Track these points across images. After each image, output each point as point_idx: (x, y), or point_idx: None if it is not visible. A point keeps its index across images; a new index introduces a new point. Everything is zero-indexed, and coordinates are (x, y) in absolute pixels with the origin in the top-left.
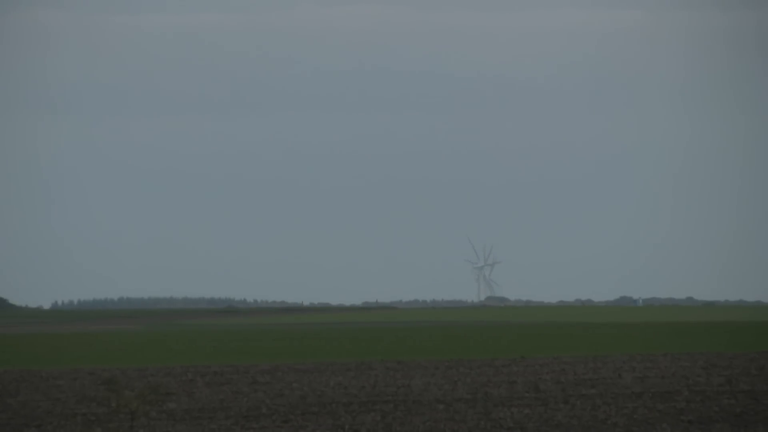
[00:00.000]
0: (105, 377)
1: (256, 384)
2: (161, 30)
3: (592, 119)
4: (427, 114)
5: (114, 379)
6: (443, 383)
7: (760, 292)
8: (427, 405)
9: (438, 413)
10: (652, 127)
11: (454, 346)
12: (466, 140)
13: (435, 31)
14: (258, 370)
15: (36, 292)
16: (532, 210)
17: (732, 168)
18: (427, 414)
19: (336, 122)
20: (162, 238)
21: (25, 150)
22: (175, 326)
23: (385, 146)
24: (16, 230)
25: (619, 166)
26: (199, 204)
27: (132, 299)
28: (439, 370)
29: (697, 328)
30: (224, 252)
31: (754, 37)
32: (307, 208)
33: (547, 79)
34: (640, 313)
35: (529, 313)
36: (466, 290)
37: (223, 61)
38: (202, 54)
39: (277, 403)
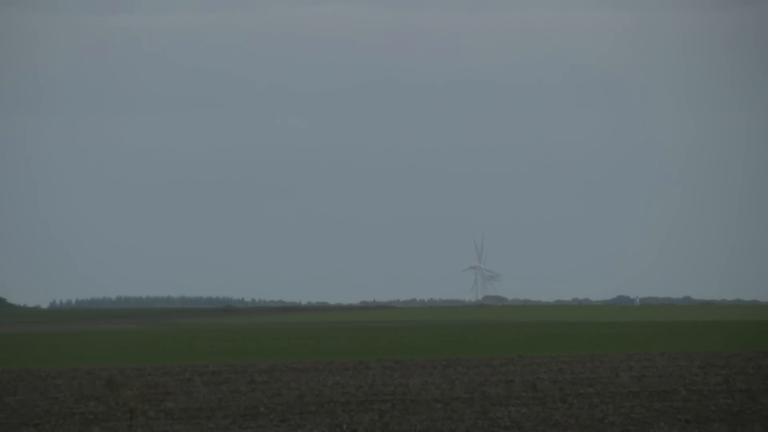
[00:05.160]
0: (104, 377)
1: (254, 383)
2: (138, 30)
3: (590, 120)
4: (424, 115)
5: (113, 379)
6: (441, 382)
7: (757, 291)
8: (425, 404)
9: (436, 412)
10: (650, 128)
11: (451, 345)
12: (465, 141)
13: (411, 32)
14: (256, 369)
15: (34, 292)
16: (530, 210)
17: (730, 168)
18: (424, 413)
19: (332, 124)
20: (160, 237)
21: (23, 150)
22: (173, 326)
23: (383, 148)
24: (15, 230)
25: (617, 166)
26: (196, 204)
27: (130, 299)
28: (437, 369)
29: (695, 327)
30: (222, 252)
31: (756, 36)
32: (305, 208)
33: (547, 80)
34: (637, 313)
35: (526, 312)
36: (464, 290)
37: (206, 60)
38: (187, 53)
39: (275, 403)
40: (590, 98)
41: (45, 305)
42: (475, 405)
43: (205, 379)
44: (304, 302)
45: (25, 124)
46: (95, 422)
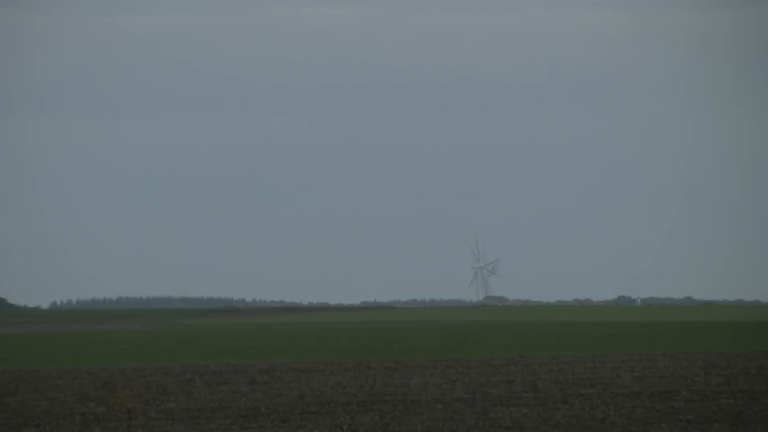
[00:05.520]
0: (104, 377)
1: (255, 384)
2: (136, 31)
3: (591, 120)
4: (425, 115)
5: (109, 380)
6: (442, 383)
7: (758, 291)
8: (426, 405)
9: (436, 413)
10: (652, 129)
11: (452, 345)
12: (467, 141)
13: (411, 32)
14: (256, 369)
15: (35, 292)
16: (531, 210)
17: (731, 169)
18: (425, 414)
19: (333, 123)
20: (160, 238)
21: (23, 151)
22: (174, 326)
23: (384, 147)
24: (15, 231)
25: (618, 167)
26: (197, 204)
27: (130, 299)
28: (438, 369)
29: (696, 327)
30: (223, 252)
31: (756, 36)
32: (305, 208)
33: (547, 80)
34: (638, 313)
35: (527, 312)
36: (465, 290)
37: (206, 60)
38: (188, 53)
39: (276, 403)
40: (592, 98)
41: (45, 305)
42: (476, 405)
43: (206, 380)
44: (305, 303)
45: (26, 124)
46: (95, 423)
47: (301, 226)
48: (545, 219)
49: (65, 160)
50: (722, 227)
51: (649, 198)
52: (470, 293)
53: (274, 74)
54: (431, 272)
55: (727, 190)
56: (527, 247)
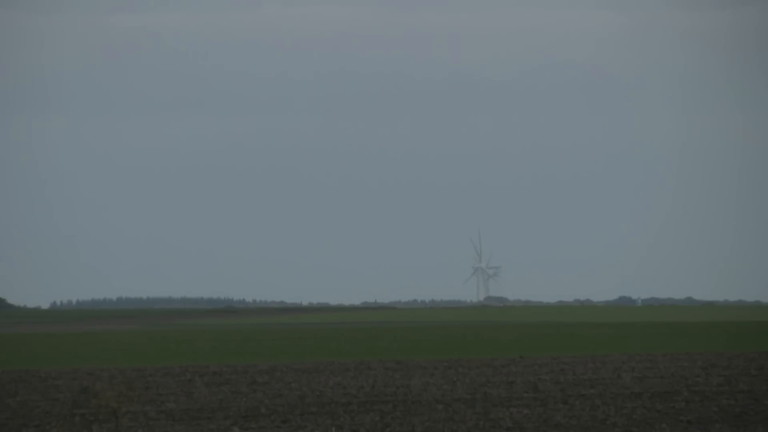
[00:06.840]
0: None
1: (255, 384)
2: (130, 30)
3: (590, 120)
4: (424, 114)
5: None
6: (442, 383)
7: (759, 292)
8: (426, 405)
9: (437, 413)
10: (651, 128)
11: (453, 346)
12: (465, 141)
13: (405, 32)
14: (257, 370)
15: (35, 292)
16: (531, 210)
17: (731, 168)
18: (426, 414)
19: (333, 124)
20: (160, 238)
21: (23, 150)
22: (174, 326)
23: (382, 147)
24: (15, 230)
25: (618, 166)
26: (197, 204)
27: (130, 299)
28: (438, 370)
29: (697, 328)
30: (223, 252)
31: (752, 35)
32: (305, 208)
33: (546, 80)
34: (639, 313)
35: (528, 313)
36: (465, 290)
37: (207, 59)
38: (189, 52)
39: (276, 403)
40: (591, 97)
41: (45, 306)
42: (477, 406)
43: (206, 380)
44: (305, 303)
45: (28, 125)
46: (95, 423)
47: (302, 226)
48: (545, 219)
49: (64, 160)
50: (722, 227)
51: (650, 198)
52: (470, 293)
53: (275, 73)
54: (431, 272)
55: (728, 190)
56: (527, 247)
